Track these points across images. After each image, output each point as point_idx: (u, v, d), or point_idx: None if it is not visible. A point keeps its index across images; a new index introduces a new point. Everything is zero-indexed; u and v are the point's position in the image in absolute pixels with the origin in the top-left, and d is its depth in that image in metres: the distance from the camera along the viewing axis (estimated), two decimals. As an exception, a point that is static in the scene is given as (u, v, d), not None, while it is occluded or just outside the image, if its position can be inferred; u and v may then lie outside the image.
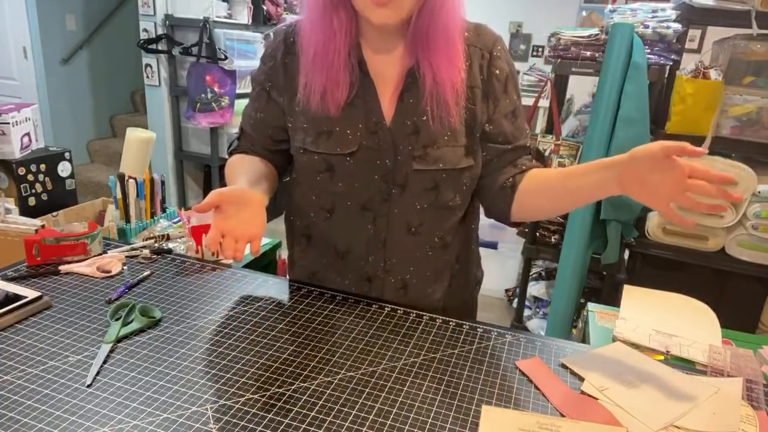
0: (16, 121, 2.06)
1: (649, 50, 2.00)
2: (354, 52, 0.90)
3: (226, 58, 3.56)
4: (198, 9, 3.56)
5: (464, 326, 0.93)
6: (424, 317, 0.95)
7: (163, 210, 1.58)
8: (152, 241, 1.38)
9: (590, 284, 2.38)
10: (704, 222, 2.04)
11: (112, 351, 0.81)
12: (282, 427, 0.68)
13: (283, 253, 1.49)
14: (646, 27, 1.99)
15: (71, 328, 0.86)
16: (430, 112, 0.89)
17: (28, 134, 2.13)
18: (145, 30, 3.63)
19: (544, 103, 2.80)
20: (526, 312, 2.70)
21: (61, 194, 2.20)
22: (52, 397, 0.70)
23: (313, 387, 0.75)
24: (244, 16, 3.81)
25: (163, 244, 1.23)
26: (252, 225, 0.86)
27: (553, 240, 2.34)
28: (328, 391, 0.75)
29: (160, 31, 3.62)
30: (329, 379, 0.77)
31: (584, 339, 1.04)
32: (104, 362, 0.78)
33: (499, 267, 3.24)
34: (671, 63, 2.05)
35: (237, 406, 0.71)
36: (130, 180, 1.47)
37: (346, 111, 0.91)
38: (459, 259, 1.04)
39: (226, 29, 3.61)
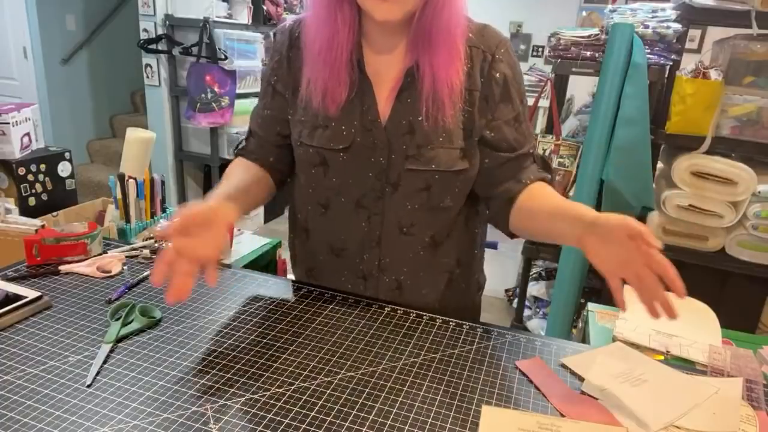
0: (16, 121, 2.06)
1: (649, 50, 2.00)
2: (355, 50, 0.90)
3: (226, 58, 3.56)
4: (198, 9, 3.56)
5: (464, 326, 0.93)
6: (424, 317, 0.95)
7: (163, 210, 1.58)
8: (152, 241, 1.38)
9: (590, 284, 2.37)
10: (704, 222, 2.04)
11: (112, 351, 0.81)
12: (282, 427, 0.68)
13: (284, 253, 1.49)
14: (646, 27, 1.99)
15: (71, 328, 0.86)
16: (425, 111, 0.89)
17: (28, 134, 2.13)
18: (145, 30, 3.63)
19: (544, 103, 2.79)
20: (526, 312, 2.70)
21: (61, 194, 2.20)
22: (52, 397, 0.70)
23: (313, 387, 0.75)
24: (244, 16, 3.81)
25: (163, 244, 1.22)
26: (210, 247, 0.80)
27: (553, 240, 2.33)
28: (328, 391, 0.75)
29: (160, 31, 3.62)
30: (329, 379, 0.77)
31: (584, 339, 1.04)
32: (104, 362, 0.78)
33: (499, 267, 3.24)
34: (671, 63, 2.05)
35: (237, 406, 0.71)
36: (130, 180, 1.47)
37: (343, 108, 0.91)
38: (460, 262, 1.04)
39: (226, 29, 3.61)
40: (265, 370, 0.78)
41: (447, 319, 0.95)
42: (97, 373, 0.75)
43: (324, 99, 0.90)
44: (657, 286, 0.70)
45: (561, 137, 2.27)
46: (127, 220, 1.47)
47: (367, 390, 0.76)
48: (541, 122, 3.72)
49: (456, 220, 0.99)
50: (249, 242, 1.44)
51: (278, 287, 1.03)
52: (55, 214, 1.80)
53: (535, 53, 5.51)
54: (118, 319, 0.86)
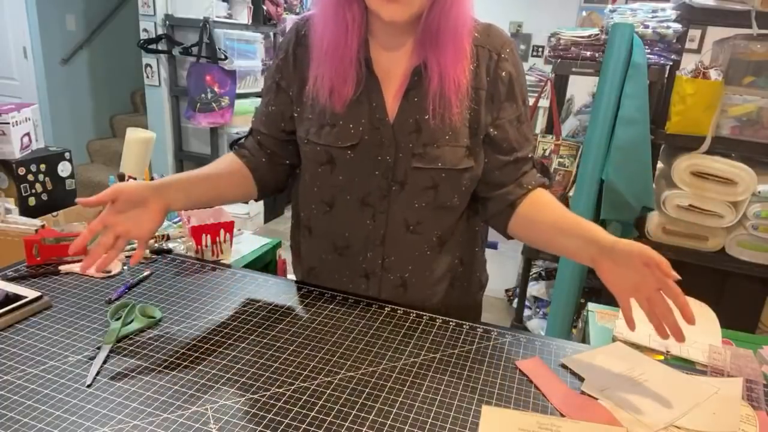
0: (16, 121, 2.06)
1: (649, 50, 2.00)
2: (362, 48, 0.90)
3: (226, 58, 3.56)
4: (198, 9, 3.57)
5: (464, 326, 0.93)
6: (424, 317, 0.95)
7: (163, 210, 1.58)
8: (152, 241, 1.38)
9: (590, 284, 2.37)
10: (704, 222, 2.04)
11: (112, 351, 0.81)
12: (282, 427, 0.68)
13: (284, 253, 1.49)
14: (646, 27, 1.99)
15: (71, 328, 0.86)
16: (432, 109, 0.89)
17: (28, 134, 2.13)
18: (145, 30, 3.63)
19: (544, 103, 2.79)
20: (526, 312, 2.70)
21: (61, 194, 2.20)
22: (52, 397, 0.70)
23: (313, 387, 0.75)
24: (244, 16, 3.81)
25: (163, 244, 1.23)
26: (140, 226, 0.84)
27: (553, 240, 2.33)
28: (328, 391, 0.75)
29: (160, 31, 3.62)
30: (329, 379, 0.77)
31: (584, 339, 1.04)
32: (104, 362, 0.78)
33: (499, 267, 3.24)
34: (671, 63, 2.05)
35: (237, 406, 0.71)
36: (131, 180, 1.47)
37: (350, 106, 0.91)
38: (463, 261, 1.04)
39: (226, 29, 3.61)
40: (265, 370, 0.78)
41: (447, 319, 0.95)
42: (97, 373, 0.75)
43: (331, 96, 0.91)
44: (668, 311, 0.74)
45: (561, 137, 2.27)
46: (127, 220, 1.47)
47: (367, 390, 0.76)
48: (541, 122, 3.72)
49: (459, 219, 1.00)
50: (249, 242, 1.44)
51: (278, 287, 1.03)
52: (55, 214, 1.80)
53: (535, 53, 5.51)
54: (118, 319, 0.86)
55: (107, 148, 4.61)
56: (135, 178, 1.48)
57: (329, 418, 0.70)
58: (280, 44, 1.02)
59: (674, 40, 2.02)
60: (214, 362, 0.79)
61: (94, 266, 0.81)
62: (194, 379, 0.76)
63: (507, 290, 3.18)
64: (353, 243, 0.99)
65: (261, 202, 3.44)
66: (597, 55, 2.08)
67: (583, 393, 0.78)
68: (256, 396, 0.73)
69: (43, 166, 2.13)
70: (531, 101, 2.49)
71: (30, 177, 2.09)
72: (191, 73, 3.54)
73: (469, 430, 0.69)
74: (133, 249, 1.15)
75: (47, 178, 2.15)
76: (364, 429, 0.68)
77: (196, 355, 0.81)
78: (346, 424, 0.69)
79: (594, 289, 2.43)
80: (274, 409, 0.71)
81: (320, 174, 0.96)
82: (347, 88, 0.90)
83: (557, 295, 2.11)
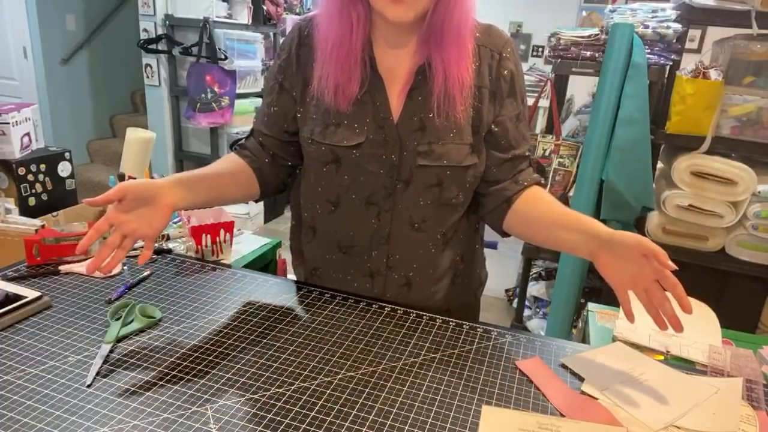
0: (16, 121, 2.06)
1: (649, 50, 2.00)
2: (366, 48, 0.91)
3: (226, 58, 3.56)
4: (198, 9, 3.57)
5: (464, 326, 0.93)
6: (424, 317, 0.95)
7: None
8: (152, 241, 1.37)
9: (590, 284, 2.38)
10: (704, 222, 2.04)
11: (112, 351, 0.81)
12: (282, 427, 0.68)
13: (284, 253, 1.49)
14: (646, 27, 1.99)
15: (71, 328, 0.86)
16: (437, 107, 0.90)
17: (28, 134, 2.13)
18: (145, 30, 3.63)
19: (544, 103, 2.79)
20: (526, 312, 2.70)
21: (61, 194, 2.20)
22: (52, 397, 0.70)
23: (313, 387, 0.75)
24: (244, 16, 3.81)
25: (163, 244, 1.23)
26: (147, 225, 0.83)
27: (553, 240, 2.33)
28: (328, 391, 0.75)
29: (160, 31, 3.62)
30: (329, 379, 0.77)
31: (584, 339, 1.04)
32: (104, 362, 0.78)
33: (499, 267, 3.24)
34: (671, 63, 2.05)
35: (237, 406, 0.71)
36: (130, 180, 1.47)
37: (355, 106, 0.92)
38: (464, 258, 1.05)
39: (226, 29, 3.61)
40: (265, 370, 0.78)
41: (447, 319, 0.95)
42: (97, 373, 0.75)
43: (335, 95, 0.91)
44: (665, 301, 0.76)
45: (561, 137, 2.27)
46: (127, 220, 1.47)
47: (367, 390, 0.76)
48: (541, 122, 3.72)
49: (462, 216, 1.01)
50: (249, 242, 1.44)
51: (278, 287, 1.03)
52: (55, 214, 1.80)
53: (535, 53, 5.51)
54: (118, 319, 0.86)
55: (107, 148, 4.61)
56: (135, 178, 1.48)
57: (329, 418, 0.70)
58: (281, 45, 1.02)
59: (674, 40, 2.02)
60: (214, 362, 0.79)
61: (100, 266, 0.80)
62: (194, 379, 0.76)
63: (507, 290, 3.18)
64: (358, 242, 0.99)
65: (261, 202, 3.44)
66: (597, 55, 2.08)
67: (583, 393, 0.78)
68: (256, 396, 0.73)
69: (43, 166, 2.13)
70: (531, 101, 2.49)
71: (30, 177, 2.09)
72: (191, 73, 3.54)
73: (469, 430, 0.69)
74: (134, 249, 1.15)
75: (47, 178, 2.15)
76: (364, 429, 0.68)
77: (196, 355, 0.81)
78: (346, 424, 0.69)
79: (594, 289, 2.43)
80: (274, 409, 0.71)
81: (325, 174, 0.96)
82: (352, 86, 0.90)
83: (557, 295, 2.11)
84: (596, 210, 2.04)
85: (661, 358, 0.91)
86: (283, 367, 0.79)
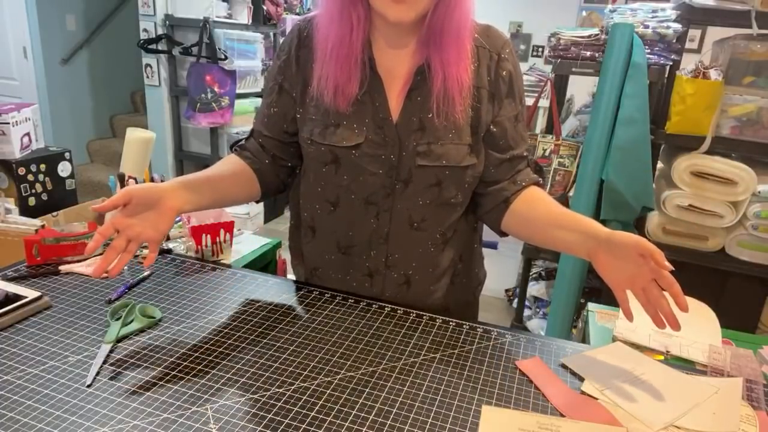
0: (16, 121, 2.06)
1: (649, 50, 2.00)
2: (366, 48, 0.91)
3: (226, 58, 3.56)
4: (198, 9, 3.57)
5: (464, 326, 0.93)
6: (424, 317, 0.95)
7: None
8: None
9: (590, 284, 2.38)
10: (704, 222, 2.04)
11: (112, 351, 0.81)
12: (282, 427, 0.68)
13: (284, 253, 1.49)
14: (646, 27, 1.99)
15: (71, 328, 0.86)
16: (436, 108, 0.90)
17: (28, 134, 2.13)
18: (145, 30, 3.63)
19: (544, 103, 2.79)
20: (526, 312, 2.70)
21: (61, 194, 2.20)
22: (52, 397, 0.70)
23: (313, 387, 0.75)
24: (244, 16, 3.81)
25: (163, 244, 1.23)
26: (152, 228, 0.84)
27: (553, 240, 2.33)
28: (328, 391, 0.75)
29: (160, 31, 3.62)
30: (329, 379, 0.77)
31: (584, 339, 1.04)
32: (104, 362, 0.78)
33: (499, 267, 3.24)
34: (671, 63, 2.05)
35: (237, 406, 0.71)
36: (130, 180, 1.47)
37: (354, 106, 0.92)
38: (462, 257, 1.05)
39: (226, 29, 3.61)
40: (265, 370, 0.78)
41: (447, 319, 0.95)
42: (97, 373, 0.75)
43: (335, 96, 0.91)
44: (662, 299, 0.76)
45: (561, 137, 2.27)
46: (127, 220, 1.47)
47: (367, 390, 0.76)
48: (541, 122, 3.72)
49: (461, 216, 1.01)
50: (249, 242, 1.44)
51: (278, 287, 1.03)
52: (55, 214, 1.79)
53: (535, 53, 5.51)
54: (118, 319, 0.86)
55: (107, 148, 4.61)
56: (135, 178, 1.48)
57: (329, 418, 0.70)
58: (281, 45, 1.02)
59: (674, 40, 2.02)
60: (214, 362, 0.79)
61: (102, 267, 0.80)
62: (194, 379, 0.76)
63: (507, 290, 3.18)
64: (357, 242, 0.99)
65: (261, 203, 3.43)
66: (597, 55, 2.08)
67: (583, 393, 0.78)
68: (256, 396, 0.73)
69: (43, 166, 2.13)
70: (531, 101, 2.49)
71: (30, 177, 2.09)
72: (191, 73, 3.54)
73: (469, 430, 0.69)
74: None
75: (47, 178, 2.15)
76: (364, 429, 0.68)
77: (196, 355, 0.81)
78: (346, 424, 0.69)
79: (594, 289, 2.43)
80: (274, 409, 0.71)
81: (325, 174, 0.96)
82: (351, 87, 0.90)
83: (557, 295, 2.11)
84: (596, 210, 2.04)
85: (661, 358, 0.91)
86: (283, 367, 0.79)
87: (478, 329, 0.93)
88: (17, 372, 0.75)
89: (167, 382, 0.75)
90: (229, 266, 1.11)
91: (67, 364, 0.77)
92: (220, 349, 0.83)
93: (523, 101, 0.99)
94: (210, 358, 0.80)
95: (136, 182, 1.48)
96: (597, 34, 2.09)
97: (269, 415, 0.69)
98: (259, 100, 3.74)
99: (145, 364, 0.78)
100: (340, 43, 0.89)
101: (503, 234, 1.02)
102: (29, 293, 0.90)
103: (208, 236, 1.19)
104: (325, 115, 0.93)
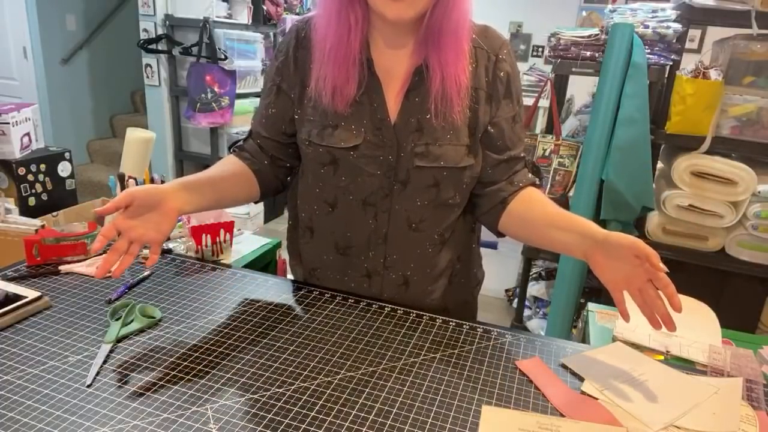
0: (16, 121, 2.06)
1: (649, 50, 2.00)
2: (364, 49, 0.91)
3: (226, 58, 3.56)
4: (198, 9, 3.56)
5: (464, 326, 0.93)
6: (424, 317, 0.95)
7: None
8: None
9: (590, 284, 2.37)
10: (704, 222, 2.04)
11: (112, 351, 0.81)
12: (282, 427, 0.68)
13: (284, 253, 1.49)
14: (646, 27, 1.99)
15: (71, 328, 0.86)
16: (434, 108, 0.90)
17: (28, 134, 2.13)
18: (145, 30, 3.63)
19: (544, 103, 2.79)
20: (526, 312, 2.70)
21: (61, 194, 2.20)
22: (52, 397, 0.70)
23: (313, 387, 0.75)
24: (244, 16, 3.81)
25: (164, 245, 1.23)
26: (154, 230, 0.84)
27: (553, 240, 2.33)
28: (328, 391, 0.75)
29: (160, 31, 3.62)
30: (329, 379, 0.77)
31: (584, 339, 1.04)
32: (104, 362, 0.78)
33: (499, 267, 3.24)
34: (671, 63, 2.05)
35: (237, 406, 0.71)
36: (130, 180, 1.47)
37: (352, 107, 0.92)
38: (460, 258, 1.05)
39: (226, 29, 3.61)
40: (265, 370, 0.78)
41: (447, 319, 0.95)
42: (97, 373, 0.75)
43: (333, 96, 0.91)
44: (658, 301, 0.77)
45: (561, 137, 2.27)
46: (127, 220, 1.47)
47: (367, 390, 0.76)
48: (541, 122, 3.72)
49: (458, 216, 1.00)
50: (249, 242, 1.44)
51: (278, 287, 1.03)
52: (55, 214, 1.80)
53: (535, 53, 5.51)
54: (118, 319, 0.86)
55: (107, 148, 4.61)
56: (135, 179, 1.48)
57: (329, 418, 0.70)
58: (279, 46, 1.02)
59: (674, 40, 2.02)
60: (214, 362, 0.79)
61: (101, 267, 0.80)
62: (194, 379, 0.76)
63: (507, 290, 3.18)
64: (355, 242, 0.99)
65: (261, 203, 3.44)
66: (597, 55, 2.08)
67: (583, 393, 0.78)
68: (256, 396, 0.73)
69: (43, 166, 2.13)
70: (531, 101, 2.49)
71: (30, 177, 2.09)
72: (191, 73, 3.54)
73: (469, 430, 0.69)
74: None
75: (47, 178, 2.15)
76: (364, 429, 0.68)
77: (196, 355, 0.81)
78: (346, 424, 0.69)
79: (594, 289, 2.43)
80: (274, 409, 0.71)
81: (323, 175, 0.96)
82: (349, 88, 0.90)
83: (557, 295, 2.11)
84: (596, 210, 2.04)
85: (661, 358, 0.91)
86: (283, 367, 0.79)
87: (478, 329, 0.93)
88: (17, 372, 0.75)
89: (167, 382, 0.75)
90: (229, 266, 1.11)
91: (67, 364, 0.77)
92: (220, 349, 0.83)
93: (521, 102, 0.99)
94: (210, 358, 0.80)
95: (136, 182, 1.48)
96: (597, 34, 2.09)
97: (269, 415, 0.69)
98: (258, 100, 3.72)
99: (145, 364, 0.78)
100: (338, 43, 0.89)
101: (500, 234, 1.02)
102: (29, 293, 0.90)
103: (208, 236, 1.19)
104: (323, 116, 0.93)
